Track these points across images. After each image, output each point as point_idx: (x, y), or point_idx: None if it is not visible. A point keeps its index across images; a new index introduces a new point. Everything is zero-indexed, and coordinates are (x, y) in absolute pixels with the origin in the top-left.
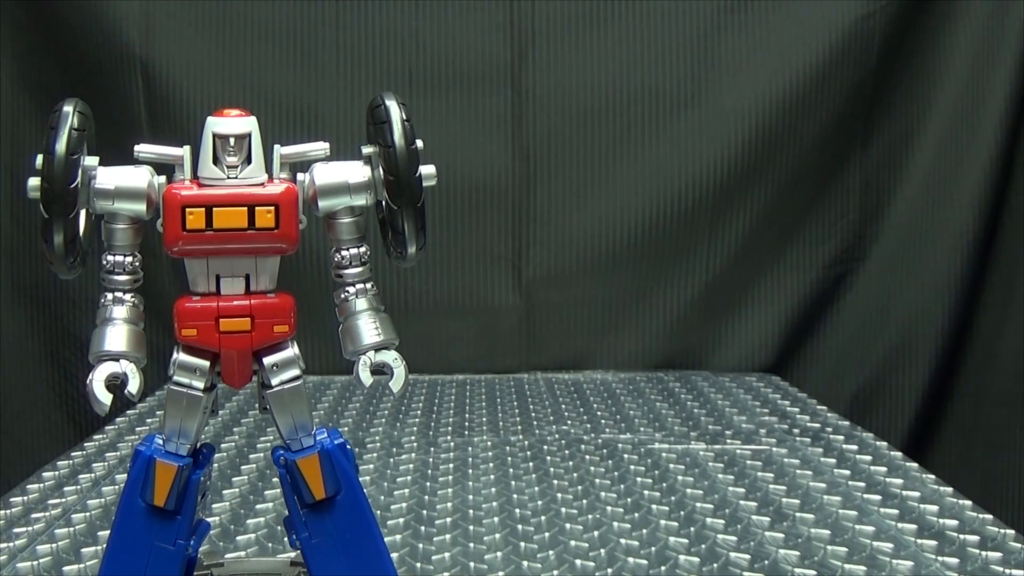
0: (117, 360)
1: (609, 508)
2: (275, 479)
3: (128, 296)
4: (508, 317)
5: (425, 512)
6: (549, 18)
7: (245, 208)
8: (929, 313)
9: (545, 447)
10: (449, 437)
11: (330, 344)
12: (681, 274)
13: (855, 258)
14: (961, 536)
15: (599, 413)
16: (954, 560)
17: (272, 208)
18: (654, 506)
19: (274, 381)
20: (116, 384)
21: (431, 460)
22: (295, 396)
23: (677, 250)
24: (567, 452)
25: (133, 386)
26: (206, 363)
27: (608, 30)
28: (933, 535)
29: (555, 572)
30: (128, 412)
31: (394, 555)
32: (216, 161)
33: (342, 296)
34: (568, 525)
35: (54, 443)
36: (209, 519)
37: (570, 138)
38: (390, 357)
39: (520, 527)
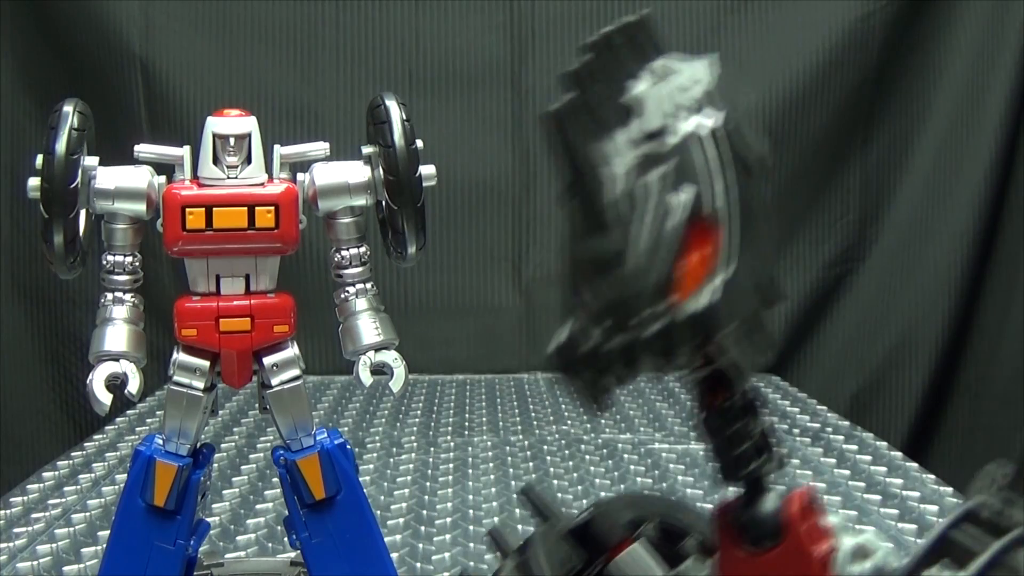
0: (117, 360)
1: None
2: (275, 479)
3: (128, 296)
4: (508, 317)
5: (425, 512)
6: (549, 18)
7: (245, 208)
8: (929, 313)
9: (545, 447)
10: (449, 437)
11: (330, 344)
12: None
13: (855, 258)
14: None
15: (599, 413)
16: None
17: (272, 208)
18: None
19: (274, 381)
20: (116, 384)
21: (431, 460)
22: (295, 396)
23: None
24: (567, 452)
25: (133, 386)
26: (206, 363)
27: None
28: None
29: None
30: (128, 412)
31: (394, 555)
32: (216, 161)
33: (342, 296)
34: None
35: (54, 443)
36: (209, 519)
37: None
38: (390, 357)
39: (520, 527)
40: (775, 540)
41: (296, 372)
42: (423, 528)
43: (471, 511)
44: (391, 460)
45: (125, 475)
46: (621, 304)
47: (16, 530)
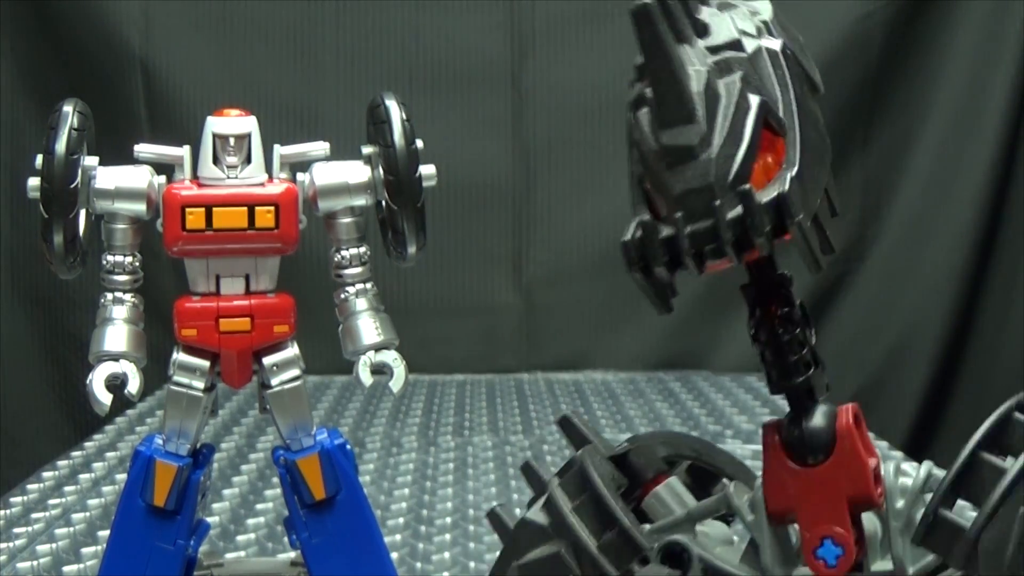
0: (117, 360)
1: None
2: (275, 479)
3: (128, 296)
4: (508, 317)
5: (425, 512)
6: (549, 18)
7: (245, 208)
8: (929, 313)
9: (545, 447)
10: (449, 437)
11: (330, 344)
12: (681, 274)
13: (855, 258)
14: None
15: (599, 413)
16: None
17: (272, 208)
18: None
19: (274, 381)
20: (116, 384)
21: (431, 460)
22: (295, 396)
23: None
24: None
25: (133, 386)
26: (206, 363)
27: (608, 30)
28: None
29: None
30: (128, 412)
31: (394, 555)
32: (216, 161)
33: (342, 296)
34: None
35: (54, 443)
36: (209, 519)
37: (570, 138)
38: (390, 357)
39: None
40: (827, 453)
41: (296, 372)
42: (423, 528)
43: (471, 511)
44: (391, 460)
45: (125, 475)
46: (705, 188)
47: (16, 530)
